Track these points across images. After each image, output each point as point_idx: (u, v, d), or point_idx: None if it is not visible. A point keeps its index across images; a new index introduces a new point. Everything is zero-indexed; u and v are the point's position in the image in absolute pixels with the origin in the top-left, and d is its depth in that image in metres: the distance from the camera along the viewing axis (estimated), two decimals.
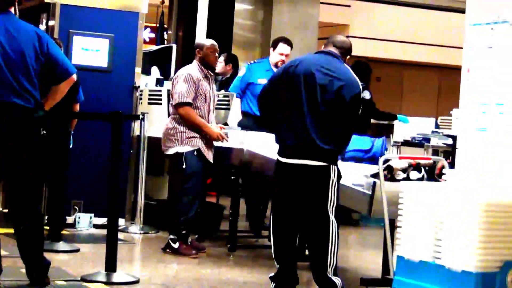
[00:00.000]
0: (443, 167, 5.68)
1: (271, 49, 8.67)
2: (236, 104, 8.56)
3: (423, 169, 5.73)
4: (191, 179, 7.25)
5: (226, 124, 8.35)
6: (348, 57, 5.94)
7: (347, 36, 7.02)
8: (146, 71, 9.25)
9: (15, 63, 5.23)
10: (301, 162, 5.58)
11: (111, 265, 6.00)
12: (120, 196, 7.39)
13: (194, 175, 7.26)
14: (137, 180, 8.53)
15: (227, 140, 7.35)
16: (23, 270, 5.47)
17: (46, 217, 7.55)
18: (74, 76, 5.55)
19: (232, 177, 7.54)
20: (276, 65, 8.34)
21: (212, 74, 7.52)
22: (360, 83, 5.70)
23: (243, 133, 7.68)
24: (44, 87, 5.46)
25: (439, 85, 19.56)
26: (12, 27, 5.28)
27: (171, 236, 7.29)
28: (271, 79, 5.93)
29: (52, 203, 7.36)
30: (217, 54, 7.59)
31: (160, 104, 8.63)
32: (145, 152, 8.46)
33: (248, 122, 8.26)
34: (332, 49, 5.84)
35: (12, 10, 5.38)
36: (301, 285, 5.94)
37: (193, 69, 7.39)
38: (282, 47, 8.55)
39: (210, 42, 7.51)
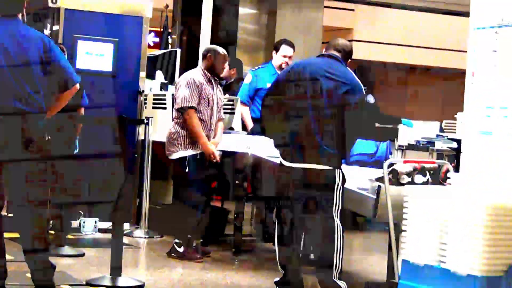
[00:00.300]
0: (447, 170, 5.68)
1: (274, 52, 8.69)
2: (245, 113, 8.54)
3: (427, 173, 5.73)
4: (194, 183, 7.25)
5: (231, 128, 8.35)
6: (349, 60, 5.94)
7: (351, 40, 7.03)
8: (151, 76, 9.25)
9: (20, 69, 5.22)
10: (306, 166, 5.58)
11: (116, 269, 6.00)
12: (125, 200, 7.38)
13: (197, 179, 7.26)
14: (141, 184, 8.53)
15: (218, 161, 7.31)
16: (28, 275, 5.46)
17: (51, 221, 7.55)
18: (77, 86, 5.56)
19: (237, 181, 7.54)
20: (280, 68, 8.37)
21: (217, 79, 7.52)
22: (362, 87, 5.71)
23: (248, 137, 7.67)
24: (47, 94, 5.46)
25: (443, 88, 19.52)
26: (18, 33, 5.29)
27: (176, 240, 7.29)
28: (274, 83, 5.93)
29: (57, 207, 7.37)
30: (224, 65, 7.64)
31: (165, 108, 8.62)
32: (149, 156, 8.46)
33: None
34: (334, 53, 5.84)
35: (19, 16, 5.38)
36: None
37: (196, 73, 7.39)
38: (285, 49, 8.57)
39: (223, 51, 7.50)
